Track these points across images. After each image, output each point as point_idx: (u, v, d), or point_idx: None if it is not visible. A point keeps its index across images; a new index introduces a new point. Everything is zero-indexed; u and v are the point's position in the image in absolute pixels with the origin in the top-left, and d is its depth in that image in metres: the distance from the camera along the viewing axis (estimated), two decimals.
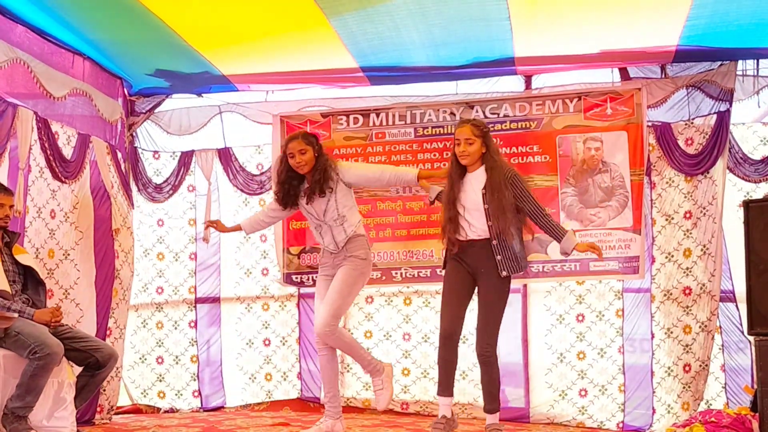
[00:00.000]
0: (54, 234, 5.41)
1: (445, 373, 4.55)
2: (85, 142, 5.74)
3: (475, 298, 4.65)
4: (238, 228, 5.24)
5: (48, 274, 5.29)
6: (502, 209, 4.42)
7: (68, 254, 5.53)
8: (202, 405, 6.63)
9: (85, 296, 5.66)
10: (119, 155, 6.24)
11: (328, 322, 4.61)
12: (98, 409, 5.78)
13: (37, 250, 5.24)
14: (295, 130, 6.38)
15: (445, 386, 4.56)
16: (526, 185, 4.57)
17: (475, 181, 4.54)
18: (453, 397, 4.64)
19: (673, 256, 5.76)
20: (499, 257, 4.46)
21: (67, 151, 5.56)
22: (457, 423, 4.71)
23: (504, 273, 4.46)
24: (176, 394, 6.70)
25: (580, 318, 6.00)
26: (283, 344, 6.62)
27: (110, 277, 5.93)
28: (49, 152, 5.27)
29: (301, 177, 4.78)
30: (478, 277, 4.55)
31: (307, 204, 4.78)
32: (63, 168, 5.43)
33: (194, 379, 6.69)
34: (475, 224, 4.52)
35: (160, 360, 6.74)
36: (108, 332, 5.90)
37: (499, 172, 4.47)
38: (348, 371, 6.40)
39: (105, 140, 6.04)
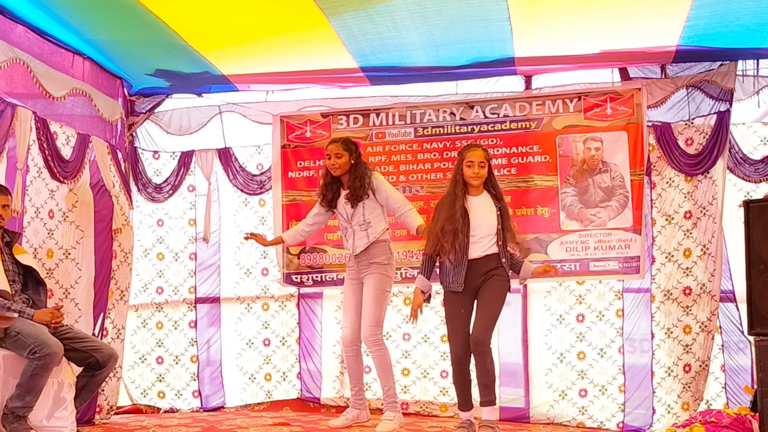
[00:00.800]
0: (53, 234, 5.41)
1: (462, 392, 4.81)
2: (85, 141, 5.74)
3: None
4: (279, 240, 5.60)
5: (47, 273, 5.29)
6: (510, 230, 4.77)
7: (69, 254, 5.54)
8: (202, 405, 6.62)
9: (84, 296, 5.67)
10: (119, 155, 6.24)
11: (373, 331, 5.04)
12: (97, 409, 5.77)
13: (36, 250, 5.25)
14: (296, 129, 6.42)
15: (464, 402, 4.81)
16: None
17: (483, 204, 4.78)
18: (473, 409, 4.84)
19: (673, 256, 5.75)
20: (505, 268, 4.75)
21: (66, 151, 5.56)
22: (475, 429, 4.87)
23: (510, 281, 4.80)
24: (176, 394, 6.70)
25: (580, 318, 5.99)
26: (283, 344, 6.62)
27: (107, 277, 5.93)
28: (47, 152, 5.27)
29: (338, 182, 5.19)
30: (480, 284, 4.73)
31: (344, 205, 5.14)
32: (61, 168, 5.43)
33: (194, 379, 6.69)
34: (481, 243, 4.72)
35: (160, 360, 6.74)
36: (104, 333, 5.90)
37: (503, 201, 4.83)
38: None
39: (105, 140, 6.04)
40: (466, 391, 4.78)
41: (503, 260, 4.72)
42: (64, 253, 5.50)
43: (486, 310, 4.68)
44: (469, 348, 4.68)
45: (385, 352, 5.10)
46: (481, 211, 4.75)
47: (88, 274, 5.72)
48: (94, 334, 5.65)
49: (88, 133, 5.82)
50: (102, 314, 5.86)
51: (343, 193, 5.17)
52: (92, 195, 5.81)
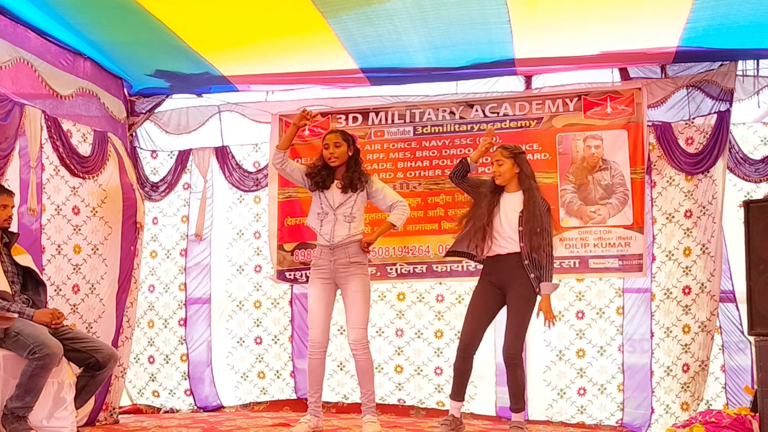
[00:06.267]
0: (80, 230, 5.48)
1: (459, 380, 4.85)
2: (104, 138, 5.78)
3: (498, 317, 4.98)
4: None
5: (74, 269, 5.39)
6: (536, 232, 4.69)
7: (97, 249, 5.63)
8: (195, 404, 6.60)
9: (109, 291, 5.73)
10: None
11: (364, 334, 4.93)
12: (104, 407, 5.78)
13: (59, 246, 5.31)
14: None
15: (457, 392, 4.86)
16: (550, 224, 4.79)
17: (513, 202, 4.81)
18: (464, 402, 4.92)
19: (673, 254, 5.76)
20: (532, 275, 4.70)
21: (85, 148, 5.59)
22: (464, 425, 4.94)
23: (538, 289, 4.73)
24: (170, 393, 6.68)
25: (580, 315, 5.99)
26: (275, 342, 6.60)
27: (130, 273, 5.98)
28: (61, 150, 5.30)
29: (332, 170, 4.99)
30: (508, 287, 4.78)
31: (326, 190, 4.97)
32: (80, 165, 5.46)
33: (185, 378, 6.66)
34: (505, 241, 4.78)
35: (151, 359, 6.72)
36: (121, 330, 5.92)
37: (536, 202, 4.74)
38: (346, 371, 6.39)
39: (119, 137, 6.09)
40: (464, 380, 4.83)
41: (526, 262, 4.69)
42: (92, 249, 5.59)
43: (514, 321, 4.73)
44: (475, 342, 4.79)
45: (370, 355, 5.00)
46: (508, 208, 4.80)
47: (113, 270, 5.79)
48: (116, 332, 5.72)
49: (105, 130, 5.85)
50: (122, 311, 5.90)
51: (336, 182, 4.98)
52: (121, 191, 5.87)
